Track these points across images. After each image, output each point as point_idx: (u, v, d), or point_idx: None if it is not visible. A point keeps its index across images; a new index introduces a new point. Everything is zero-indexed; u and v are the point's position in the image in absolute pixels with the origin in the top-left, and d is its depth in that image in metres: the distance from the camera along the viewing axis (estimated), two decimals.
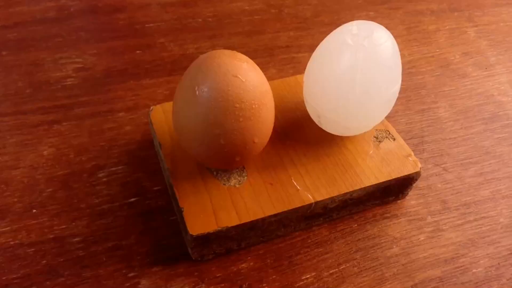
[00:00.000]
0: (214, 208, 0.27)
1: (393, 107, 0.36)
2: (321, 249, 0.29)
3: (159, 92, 0.37)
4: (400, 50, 0.42)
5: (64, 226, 0.29)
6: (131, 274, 0.27)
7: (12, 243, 0.28)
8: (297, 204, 0.28)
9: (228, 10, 0.45)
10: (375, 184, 0.29)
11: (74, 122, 0.34)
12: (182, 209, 0.27)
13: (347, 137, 0.31)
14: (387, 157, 0.30)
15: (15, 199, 0.30)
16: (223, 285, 0.27)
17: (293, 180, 0.29)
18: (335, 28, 0.28)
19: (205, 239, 0.26)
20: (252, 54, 0.41)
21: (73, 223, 0.29)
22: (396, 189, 0.30)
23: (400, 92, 0.38)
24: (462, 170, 0.34)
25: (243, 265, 0.28)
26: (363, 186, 0.29)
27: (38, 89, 0.36)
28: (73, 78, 0.37)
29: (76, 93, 0.36)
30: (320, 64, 0.28)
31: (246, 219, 0.27)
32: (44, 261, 0.27)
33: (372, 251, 0.29)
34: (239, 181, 0.28)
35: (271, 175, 0.29)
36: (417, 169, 0.30)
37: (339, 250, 0.29)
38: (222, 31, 0.43)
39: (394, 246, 0.29)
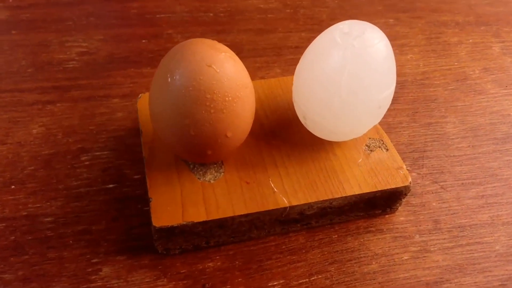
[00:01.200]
0: (183, 202, 0.26)
1: (397, 117, 0.34)
2: (294, 257, 0.28)
3: None
4: (415, 60, 0.40)
5: (38, 205, 0.29)
6: (94, 260, 0.27)
7: None
8: (270, 206, 0.26)
9: (242, 6, 0.44)
10: (358, 195, 0.27)
11: (68, 104, 0.34)
12: (150, 199, 0.26)
13: (337, 143, 0.30)
14: (376, 168, 0.28)
15: None
16: (185, 282, 0.26)
17: (270, 181, 0.27)
18: None
19: (170, 232, 0.25)
20: (259, 52, 0.40)
21: (48, 203, 0.29)
22: (383, 202, 0.29)
23: (407, 103, 0.36)
24: (462, 190, 0.32)
25: (209, 264, 0.27)
26: (344, 195, 0.27)
27: (39, 69, 0.37)
28: (76, 61, 0.38)
29: (75, 75, 0.37)
30: (309, 62, 0.26)
31: (214, 216, 0.26)
32: (13, 237, 0.27)
33: (349, 265, 0.28)
34: (215, 177, 0.27)
35: (249, 174, 0.28)
36: (407, 183, 0.28)
37: (314, 260, 0.28)
38: (232, 27, 0.42)
39: (374, 263, 0.28)
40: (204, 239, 0.27)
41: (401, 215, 0.30)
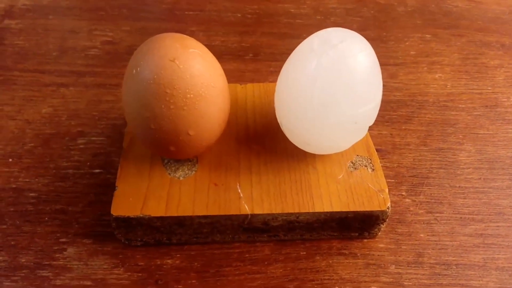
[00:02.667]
0: (147, 195, 0.26)
1: (406, 138, 0.32)
2: (255, 268, 0.27)
3: None
4: (443, 80, 0.37)
5: (27, 180, 0.30)
6: (63, 240, 0.28)
7: None
8: (231, 211, 0.26)
9: (272, 9, 0.43)
10: (328, 212, 0.26)
11: (80, 88, 0.36)
12: (116, 188, 0.26)
13: (320, 156, 0.28)
14: (356, 187, 0.27)
15: (0, 146, 0.32)
16: (140, 274, 0.26)
17: (238, 186, 0.27)
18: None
19: (127, 223, 0.26)
20: (276, 57, 0.39)
21: (36, 179, 0.30)
22: (358, 225, 0.27)
23: (421, 124, 0.34)
24: (458, 225, 0.29)
25: (168, 260, 0.27)
26: (312, 211, 0.26)
27: (63, 54, 0.39)
28: (97, 49, 0.39)
29: (94, 63, 0.38)
30: (286, 69, 0.25)
31: (173, 213, 0.25)
32: None
33: (309, 285, 0.26)
34: (186, 174, 0.27)
35: (220, 176, 0.27)
36: (384, 208, 0.26)
37: (274, 274, 0.26)
38: (256, 29, 0.41)
39: (338, 286, 0.26)
40: (165, 235, 0.27)
41: (381, 242, 0.28)
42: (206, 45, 0.25)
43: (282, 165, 0.28)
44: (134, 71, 0.23)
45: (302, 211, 0.26)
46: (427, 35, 0.42)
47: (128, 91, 0.24)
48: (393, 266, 0.27)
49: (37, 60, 0.38)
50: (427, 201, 0.30)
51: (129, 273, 0.26)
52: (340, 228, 0.27)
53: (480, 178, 0.31)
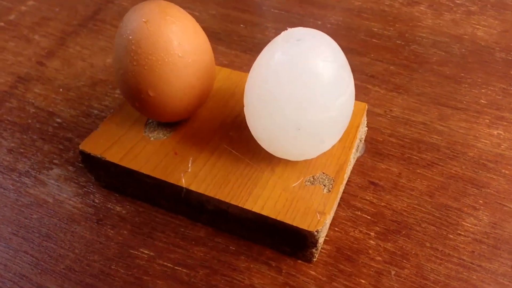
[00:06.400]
0: (116, 142, 0.28)
1: (413, 183, 0.29)
2: (182, 243, 0.27)
3: (219, 59, 0.39)
4: (500, 139, 0.32)
5: (61, 108, 0.35)
6: (55, 161, 0.32)
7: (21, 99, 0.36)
8: (170, 179, 0.26)
9: (355, 24, 0.42)
10: (255, 213, 0.25)
11: None
12: (97, 128, 0.29)
13: (286, 162, 0.27)
14: (299, 201, 0.25)
15: (61, 77, 0.38)
16: (89, 209, 0.29)
17: (190, 161, 0.27)
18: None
19: (89, 159, 0.28)
20: None
21: (68, 110, 0.35)
22: (288, 240, 0.25)
23: (441, 175, 0.30)
24: None
25: (118, 208, 0.29)
26: (240, 206, 0.25)
27: None
28: None
29: None
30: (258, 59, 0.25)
31: (125, 164, 0.27)
32: (29, 121, 0.35)
33: (218, 278, 0.25)
34: (157, 137, 0.29)
35: (183, 148, 0.28)
36: (312, 230, 0.24)
37: (193, 255, 0.26)
38: None
39: None
40: (121, 184, 0.29)
41: (315, 269, 0.26)
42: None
43: (244, 157, 0.27)
44: (120, 26, 0.26)
45: (232, 203, 0.25)
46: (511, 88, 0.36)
47: (115, 44, 0.26)
48: None
49: None
50: (393, 251, 0.26)
51: (82, 205, 0.29)
52: (273, 238, 0.26)
53: (475, 252, 0.26)
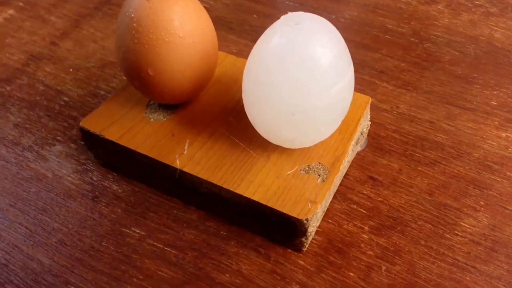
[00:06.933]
0: (116, 121, 0.29)
1: (413, 180, 0.28)
2: (173, 224, 0.27)
3: (229, 48, 0.39)
4: (508, 141, 0.31)
5: (70, 87, 0.36)
6: (59, 138, 0.32)
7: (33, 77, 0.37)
8: (165, 160, 0.26)
9: (369, 19, 0.41)
10: (246, 198, 0.25)
11: None
12: (99, 106, 0.30)
13: (282, 149, 0.27)
14: (292, 189, 0.25)
15: (72, 57, 0.38)
16: (87, 186, 0.29)
17: (187, 143, 0.27)
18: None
19: (89, 136, 0.29)
20: None
21: (76, 89, 0.36)
22: (275, 227, 0.25)
23: (444, 174, 0.30)
24: (403, 287, 0.24)
25: (114, 186, 0.29)
26: (232, 190, 0.25)
27: None
28: None
29: None
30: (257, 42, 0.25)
31: (121, 142, 0.27)
32: (38, 98, 0.35)
33: (206, 261, 0.25)
34: (158, 119, 0.29)
35: (182, 130, 0.28)
36: (301, 217, 0.23)
37: (183, 237, 0.26)
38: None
39: (227, 276, 0.25)
40: (119, 162, 0.29)
41: (303, 259, 0.25)
42: None
43: (243, 141, 0.27)
44: (124, 4, 0.26)
45: (225, 186, 0.25)
46: None
47: (118, 22, 0.26)
48: (297, 286, 0.24)
49: None
50: (385, 247, 0.26)
51: (80, 182, 0.29)
52: (263, 225, 0.26)
53: (470, 253, 0.25)
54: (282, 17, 0.23)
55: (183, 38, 0.25)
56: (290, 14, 0.23)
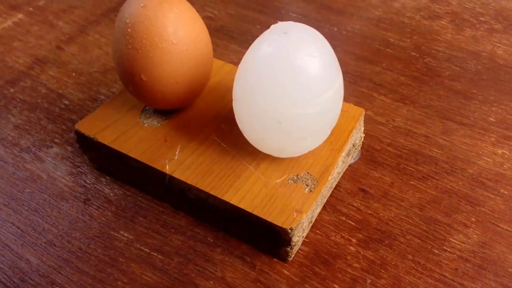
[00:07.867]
0: (110, 125, 0.29)
1: (405, 194, 0.28)
2: (162, 230, 0.27)
3: (229, 57, 0.39)
4: (504, 158, 0.31)
5: (71, 91, 0.36)
6: (56, 140, 0.33)
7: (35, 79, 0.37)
8: (155, 165, 0.27)
9: (371, 32, 0.41)
10: (232, 205, 0.25)
11: None
12: (95, 110, 0.30)
13: (272, 158, 0.27)
14: (278, 197, 0.25)
15: (76, 62, 0.39)
16: (80, 189, 0.29)
17: (178, 149, 0.27)
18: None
19: (83, 139, 0.29)
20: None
21: (77, 93, 0.36)
22: (261, 235, 0.25)
23: (435, 189, 0.30)
24: None
25: (106, 190, 0.29)
26: (219, 197, 0.25)
27: None
28: None
29: None
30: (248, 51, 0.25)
31: (114, 145, 0.28)
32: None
33: (191, 267, 0.25)
34: (151, 124, 0.29)
35: (175, 136, 0.28)
36: (286, 227, 0.23)
37: (170, 243, 0.27)
38: (338, 43, 0.40)
39: (211, 283, 0.25)
40: (111, 166, 0.29)
41: (289, 269, 0.25)
42: None
43: (234, 148, 0.27)
44: (120, 9, 0.26)
45: (212, 193, 0.25)
46: None
47: (115, 27, 0.27)
48: None
49: None
50: (372, 260, 0.26)
51: (73, 184, 0.30)
52: (249, 233, 0.26)
53: (458, 269, 0.25)
54: (272, 26, 0.23)
55: (176, 45, 0.26)
56: (279, 23, 0.23)
